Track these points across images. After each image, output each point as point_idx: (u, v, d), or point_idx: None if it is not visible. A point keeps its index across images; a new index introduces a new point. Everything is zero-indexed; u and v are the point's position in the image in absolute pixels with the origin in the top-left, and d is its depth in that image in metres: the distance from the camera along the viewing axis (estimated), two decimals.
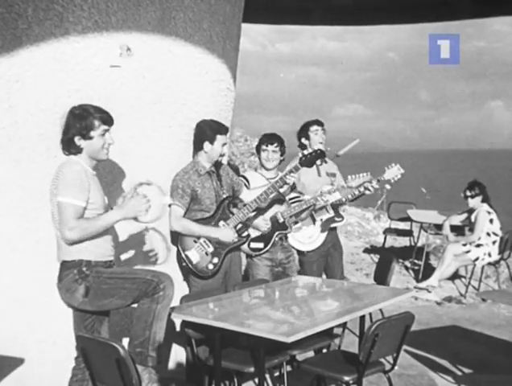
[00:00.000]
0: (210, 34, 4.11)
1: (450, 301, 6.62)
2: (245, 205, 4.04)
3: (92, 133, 3.08)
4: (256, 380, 3.62)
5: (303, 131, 4.74)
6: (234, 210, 4.03)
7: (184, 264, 3.86)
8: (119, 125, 3.33)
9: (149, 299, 3.05)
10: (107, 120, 3.13)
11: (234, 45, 4.49)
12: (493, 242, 6.70)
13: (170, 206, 3.84)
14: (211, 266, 3.88)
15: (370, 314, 4.21)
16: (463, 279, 7.33)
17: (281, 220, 4.34)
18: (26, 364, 3.52)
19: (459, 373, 4.46)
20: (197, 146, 3.96)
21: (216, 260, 3.89)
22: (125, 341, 3.22)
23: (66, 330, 3.28)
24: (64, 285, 3.05)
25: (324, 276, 4.79)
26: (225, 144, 3.98)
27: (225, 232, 3.89)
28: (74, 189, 2.98)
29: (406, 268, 7.91)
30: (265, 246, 4.29)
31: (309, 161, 4.05)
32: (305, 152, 4.06)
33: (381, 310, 4.22)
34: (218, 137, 3.92)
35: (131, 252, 3.88)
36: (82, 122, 3.06)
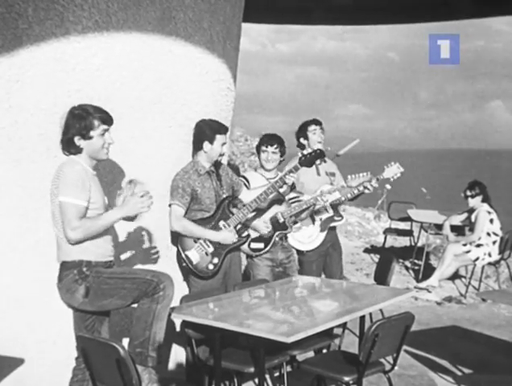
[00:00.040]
0: (210, 34, 4.11)
1: (450, 301, 6.62)
2: (244, 205, 4.04)
3: (91, 133, 3.08)
4: (256, 380, 3.62)
5: (302, 131, 4.74)
6: (234, 210, 4.03)
7: (184, 264, 3.86)
8: (119, 125, 3.33)
9: (149, 299, 3.05)
10: (107, 120, 3.13)
11: (234, 45, 4.49)
12: (494, 242, 6.70)
13: (170, 206, 3.85)
14: (211, 266, 3.88)
15: (370, 314, 4.21)
16: (463, 279, 7.33)
17: (281, 220, 4.34)
18: (26, 364, 3.52)
19: (459, 373, 4.46)
20: (197, 146, 3.96)
21: (216, 260, 3.89)
22: (126, 341, 3.22)
23: (66, 330, 3.28)
24: (64, 286, 3.05)
25: (322, 276, 4.79)
26: (224, 143, 3.98)
27: (226, 235, 3.89)
28: (76, 189, 2.98)
29: (407, 268, 7.91)
30: (265, 246, 4.29)
31: (309, 161, 4.06)
32: (304, 152, 4.06)
33: (381, 310, 4.21)
34: (218, 136, 3.92)
35: (131, 252, 3.88)
36: (82, 122, 3.06)
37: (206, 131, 3.91)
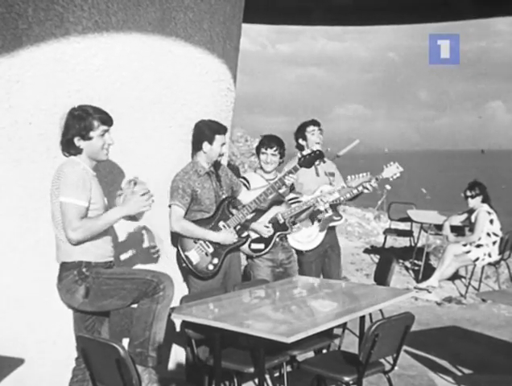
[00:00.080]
0: (210, 35, 4.11)
1: (450, 301, 6.61)
2: (244, 206, 4.04)
3: (91, 134, 3.08)
4: (256, 381, 3.62)
5: (300, 132, 4.74)
6: (234, 211, 4.03)
7: (184, 264, 3.86)
8: (119, 125, 3.33)
9: (149, 299, 3.05)
10: (106, 120, 3.13)
11: (234, 45, 4.49)
12: (494, 242, 6.69)
13: (170, 206, 3.85)
14: (211, 267, 3.88)
15: (370, 315, 4.20)
16: (463, 279, 7.33)
17: (281, 221, 4.34)
18: (26, 364, 3.52)
19: (459, 373, 4.46)
20: (196, 147, 3.96)
21: (216, 260, 3.89)
22: (126, 341, 3.22)
23: (66, 330, 3.28)
24: (64, 286, 3.05)
25: (321, 276, 4.79)
26: (223, 144, 3.98)
27: (226, 236, 3.89)
28: (77, 189, 2.97)
29: (407, 268, 7.91)
30: (266, 247, 4.30)
31: (308, 161, 4.06)
32: (304, 153, 4.06)
33: (381, 310, 4.21)
34: (217, 137, 3.92)
35: (131, 252, 3.88)
36: (81, 123, 3.06)
37: (205, 131, 3.91)
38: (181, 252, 3.85)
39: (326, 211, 4.58)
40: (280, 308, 3.51)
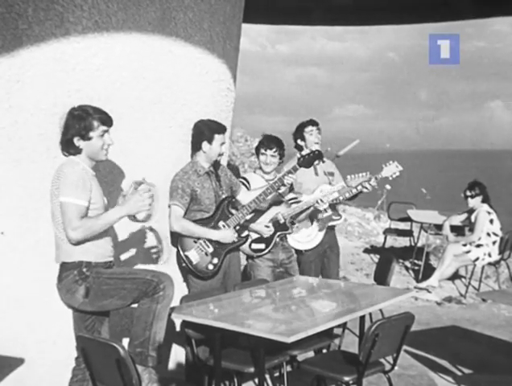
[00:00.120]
0: (210, 35, 4.11)
1: (450, 301, 6.61)
2: (243, 206, 4.04)
3: (91, 134, 3.08)
4: (256, 380, 3.62)
5: (299, 132, 4.74)
6: (233, 211, 4.03)
7: (184, 264, 3.86)
8: (119, 125, 3.33)
9: (149, 299, 3.05)
10: (106, 120, 3.13)
11: (234, 45, 4.49)
12: (493, 242, 6.70)
13: (170, 206, 3.85)
14: (211, 266, 3.88)
15: (370, 314, 4.21)
16: (463, 279, 7.33)
17: (282, 221, 4.34)
18: (26, 364, 3.52)
19: (459, 373, 4.46)
20: (195, 146, 3.96)
21: (216, 260, 3.89)
22: (126, 341, 3.22)
23: (66, 330, 3.28)
24: (64, 286, 3.05)
25: (320, 276, 4.79)
26: (223, 143, 3.98)
27: (225, 234, 3.90)
28: (76, 189, 2.98)
29: (407, 268, 7.91)
30: (266, 247, 4.30)
31: (307, 161, 4.07)
32: (303, 153, 4.07)
33: (381, 310, 4.21)
34: (216, 136, 3.92)
35: (131, 252, 3.88)
36: (81, 123, 3.06)
37: (205, 131, 3.91)
38: (181, 252, 3.85)
39: (325, 210, 4.58)
40: (280, 308, 3.51)
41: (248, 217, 4.13)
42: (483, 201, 6.76)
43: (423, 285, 6.87)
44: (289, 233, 4.42)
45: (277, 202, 4.36)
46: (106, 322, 3.25)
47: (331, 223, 4.71)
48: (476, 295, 6.67)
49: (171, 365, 4.10)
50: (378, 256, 7.30)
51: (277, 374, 3.88)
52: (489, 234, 6.69)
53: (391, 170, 4.41)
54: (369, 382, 3.90)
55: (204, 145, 3.91)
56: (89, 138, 3.08)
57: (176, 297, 3.23)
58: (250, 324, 3.10)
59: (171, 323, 3.56)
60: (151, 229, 3.89)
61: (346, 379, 3.17)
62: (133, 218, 3.18)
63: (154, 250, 3.94)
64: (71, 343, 3.10)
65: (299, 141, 4.74)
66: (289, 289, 3.94)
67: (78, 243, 3.01)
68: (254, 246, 4.29)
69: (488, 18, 8.75)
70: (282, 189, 4.15)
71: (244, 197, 4.14)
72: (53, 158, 3.39)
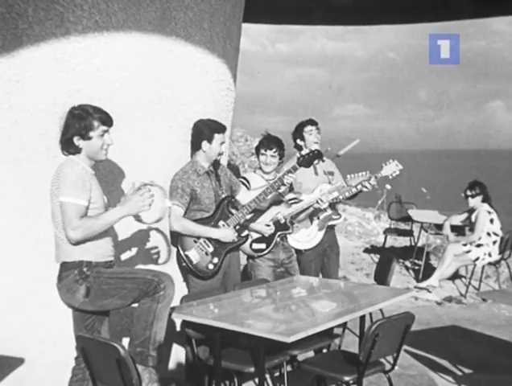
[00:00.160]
0: (210, 34, 4.11)
1: (450, 301, 6.61)
2: (243, 206, 4.04)
3: (91, 134, 3.08)
4: (256, 380, 3.62)
5: (298, 132, 4.74)
6: (233, 210, 4.03)
7: (184, 264, 3.86)
8: (119, 125, 3.33)
9: (149, 299, 3.05)
10: (106, 120, 3.13)
11: (235, 45, 4.49)
12: (494, 242, 6.70)
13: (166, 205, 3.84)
14: (211, 266, 3.88)
15: (370, 314, 4.21)
16: (463, 279, 7.33)
17: (282, 221, 4.34)
18: (26, 364, 3.52)
19: (459, 373, 4.46)
20: (195, 146, 3.96)
21: (216, 260, 3.89)
22: (126, 341, 3.22)
23: (66, 330, 3.28)
24: (65, 286, 3.05)
25: (320, 276, 4.79)
26: (223, 143, 3.98)
27: (225, 232, 3.90)
28: (76, 189, 2.98)
29: (407, 268, 7.91)
30: (267, 247, 4.30)
31: (307, 161, 4.07)
32: (303, 152, 4.07)
33: (381, 310, 4.21)
34: (216, 135, 3.92)
35: (131, 252, 3.88)
36: (81, 122, 3.06)
37: (204, 131, 3.91)
38: (181, 252, 3.85)
39: (325, 209, 4.58)
40: (280, 308, 3.51)
41: (248, 217, 4.14)
42: (483, 201, 6.76)
43: (423, 284, 6.87)
44: (289, 233, 4.42)
45: (277, 201, 4.37)
46: (106, 321, 3.25)
47: (330, 223, 4.71)
48: (476, 295, 6.67)
49: (172, 365, 4.10)
50: (378, 256, 7.30)
51: (277, 374, 3.88)
52: (489, 234, 6.69)
53: (391, 168, 4.41)
54: (369, 382, 3.90)
55: (204, 144, 3.91)
56: (89, 138, 3.08)
57: (176, 297, 3.23)
58: (250, 324, 3.10)
59: (171, 323, 3.56)
60: (158, 231, 3.89)
61: (346, 378, 3.17)
62: (139, 219, 3.18)
63: (155, 250, 3.94)
64: (71, 343, 3.10)
65: (298, 141, 4.74)
66: (289, 289, 3.94)
67: (78, 243, 3.01)
68: (255, 246, 4.29)
69: (487, 17, 8.75)
70: (282, 188, 4.16)
71: (244, 197, 4.14)
72: (53, 158, 3.39)
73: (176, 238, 3.91)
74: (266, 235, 4.26)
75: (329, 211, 4.62)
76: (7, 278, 3.55)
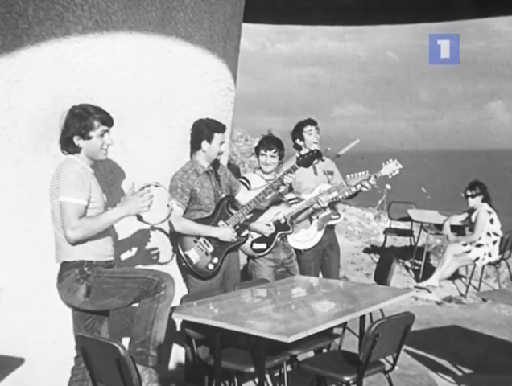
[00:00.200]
0: (210, 34, 4.11)
1: (450, 301, 6.61)
2: (243, 206, 4.04)
3: (91, 134, 3.08)
4: (256, 380, 3.62)
5: (297, 132, 4.73)
6: (233, 210, 4.03)
7: (184, 264, 3.86)
8: (119, 125, 3.32)
9: (150, 298, 3.05)
10: (107, 120, 3.13)
11: (235, 45, 4.49)
12: (494, 242, 6.69)
13: (169, 206, 3.84)
14: (211, 266, 3.88)
15: (370, 314, 4.21)
16: (463, 279, 7.33)
17: (283, 221, 4.34)
18: (26, 364, 3.52)
19: (459, 373, 4.46)
20: (195, 146, 3.96)
21: (216, 260, 3.89)
22: (126, 341, 3.22)
23: (66, 330, 3.28)
24: (65, 285, 3.05)
25: (320, 275, 4.79)
26: (222, 142, 3.98)
27: (225, 231, 3.90)
28: (76, 188, 2.98)
29: (407, 268, 7.91)
30: (267, 247, 4.30)
31: (306, 161, 4.07)
32: (302, 152, 4.07)
33: (381, 310, 4.21)
34: (216, 135, 3.92)
35: (131, 252, 3.88)
36: (81, 122, 3.06)
37: (204, 130, 3.91)
38: (181, 252, 3.85)
39: (324, 209, 4.59)
40: (280, 308, 3.51)
41: (248, 217, 4.13)
42: (483, 201, 6.76)
43: (423, 284, 6.87)
44: (290, 233, 4.42)
45: (277, 201, 4.37)
46: (106, 321, 3.25)
47: (330, 223, 4.70)
48: (476, 295, 6.67)
49: (172, 365, 4.10)
50: (378, 256, 7.30)
51: (277, 374, 3.87)
52: (489, 234, 6.69)
53: (391, 168, 4.41)
54: (369, 382, 3.90)
55: (204, 144, 3.91)
56: (89, 138, 3.08)
57: (176, 297, 3.22)
58: (250, 324, 3.10)
59: (171, 323, 3.56)
60: (160, 231, 3.89)
61: (346, 378, 3.17)
62: (142, 220, 3.17)
63: (156, 251, 3.94)
64: (71, 343, 3.10)
65: (297, 141, 4.74)
66: (289, 289, 3.94)
67: (77, 242, 3.01)
68: (256, 246, 4.29)
69: (487, 17, 8.75)
70: (282, 188, 4.16)
71: (243, 197, 4.14)
72: (53, 158, 3.39)
73: (176, 238, 3.91)
74: (267, 235, 4.26)
75: (328, 211, 4.63)
76: (7, 278, 3.55)
